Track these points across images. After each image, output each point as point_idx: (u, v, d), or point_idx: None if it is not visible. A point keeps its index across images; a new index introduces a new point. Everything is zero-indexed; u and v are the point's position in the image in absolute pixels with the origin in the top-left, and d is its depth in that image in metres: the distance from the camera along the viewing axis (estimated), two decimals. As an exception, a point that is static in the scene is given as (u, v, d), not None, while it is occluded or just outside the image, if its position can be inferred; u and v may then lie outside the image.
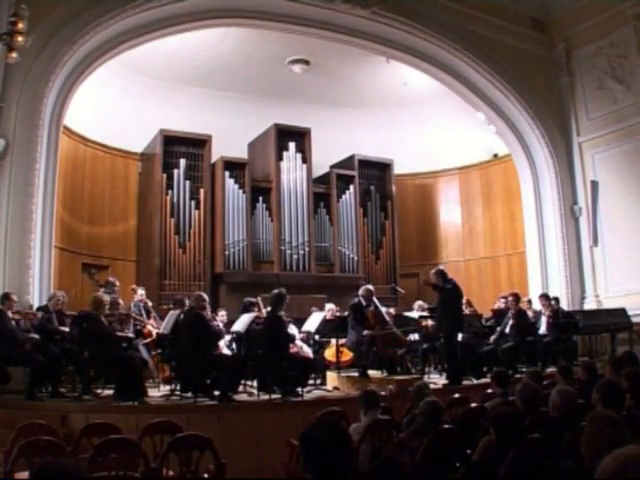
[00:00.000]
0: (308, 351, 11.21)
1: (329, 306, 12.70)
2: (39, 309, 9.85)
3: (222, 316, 11.95)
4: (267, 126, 15.98)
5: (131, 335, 10.32)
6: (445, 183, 19.05)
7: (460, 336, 11.45)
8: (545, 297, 13.35)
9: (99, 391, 9.53)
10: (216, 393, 9.15)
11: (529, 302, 13.81)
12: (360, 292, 11.38)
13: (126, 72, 14.63)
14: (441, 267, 11.85)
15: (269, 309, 10.24)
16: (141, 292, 11.82)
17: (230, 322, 11.36)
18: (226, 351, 10.95)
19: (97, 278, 12.15)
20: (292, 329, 11.00)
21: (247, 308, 11.16)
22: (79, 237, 14.54)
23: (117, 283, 11.67)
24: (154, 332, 10.90)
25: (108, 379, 9.67)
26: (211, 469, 5.67)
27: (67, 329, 9.88)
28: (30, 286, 10.32)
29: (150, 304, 12.11)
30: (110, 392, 9.38)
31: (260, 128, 16.16)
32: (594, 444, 3.65)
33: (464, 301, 12.25)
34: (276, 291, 10.17)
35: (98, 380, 9.64)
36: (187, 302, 10.30)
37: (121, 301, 11.16)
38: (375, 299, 11.36)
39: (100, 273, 13.10)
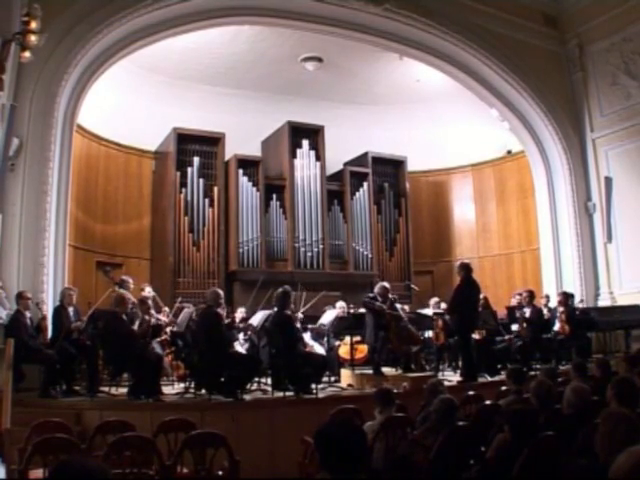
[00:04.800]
0: (320, 350, 11.18)
1: (339, 304, 12.63)
2: (55, 309, 9.88)
3: (241, 312, 12.05)
4: (280, 124, 15.98)
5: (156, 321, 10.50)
6: (459, 180, 19.02)
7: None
8: (564, 294, 13.32)
9: (107, 389, 9.55)
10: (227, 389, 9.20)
11: (547, 298, 13.78)
12: (376, 290, 11.38)
13: (139, 71, 14.65)
14: (466, 261, 11.83)
15: (276, 309, 10.18)
16: (148, 290, 11.81)
17: (246, 319, 11.46)
18: (239, 349, 10.96)
19: (112, 275, 12.13)
20: (306, 334, 11.03)
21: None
22: (93, 235, 14.60)
23: (131, 281, 11.69)
24: (168, 329, 10.93)
25: (122, 377, 9.69)
26: (225, 466, 5.67)
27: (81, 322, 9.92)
28: (44, 284, 10.35)
29: (154, 294, 12.09)
30: (124, 390, 9.41)
31: (273, 126, 16.16)
32: (608, 441, 3.64)
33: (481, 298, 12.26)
34: (280, 289, 10.19)
35: (113, 379, 9.65)
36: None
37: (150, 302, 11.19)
38: (394, 300, 11.37)
39: (115, 271, 13.11)
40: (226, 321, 9.99)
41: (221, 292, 9.90)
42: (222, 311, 9.88)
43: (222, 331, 9.52)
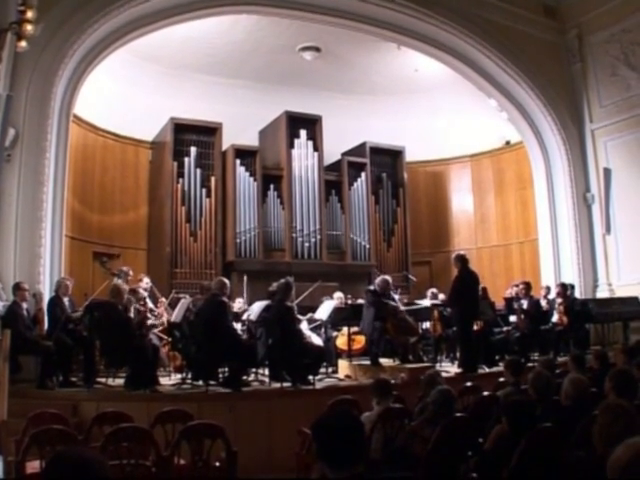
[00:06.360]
0: (318, 341, 11.16)
1: (337, 295, 12.66)
2: (51, 300, 9.85)
3: (239, 302, 12.02)
4: (278, 114, 15.94)
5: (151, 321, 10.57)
6: (457, 170, 18.98)
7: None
8: (562, 286, 13.33)
9: (104, 380, 9.55)
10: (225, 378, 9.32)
11: (547, 289, 13.81)
12: (377, 282, 11.33)
13: (136, 60, 14.55)
14: (462, 252, 11.82)
15: (277, 299, 10.15)
16: (147, 280, 11.82)
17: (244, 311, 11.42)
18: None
19: (109, 266, 12.09)
20: (303, 325, 11.00)
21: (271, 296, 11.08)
22: (90, 226, 14.56)
23: (131, 272, 11.65)
24: (165, 320, 10.93)
25: (119, 368, 9.67)
26: (222, 457, 5.65)
27: (80, 312, 9.90)
28: (41, 275, 10.31)
29: (152, 284, 12.06)
30: (121, 381, 9.40)
31: (271, 116, 16.12)
32: (606, 433, 3.63)
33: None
34: (283, 280, 10.19)
35: (110, 369, 9.65)
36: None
37: (141, 290, 11.17)
38: (392, 292, 11.36)
39: (112, 262, 13.08)
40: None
41: (227, 282, 9.93)
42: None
43: (227, 320, 9.54)
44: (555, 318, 12.94)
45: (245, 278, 12.76)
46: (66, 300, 9.93)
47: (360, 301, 11.83)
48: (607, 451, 3.15)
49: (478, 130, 17.94)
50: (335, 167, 16.84)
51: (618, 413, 3.70)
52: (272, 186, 15.54)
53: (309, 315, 11.39)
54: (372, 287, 11.35)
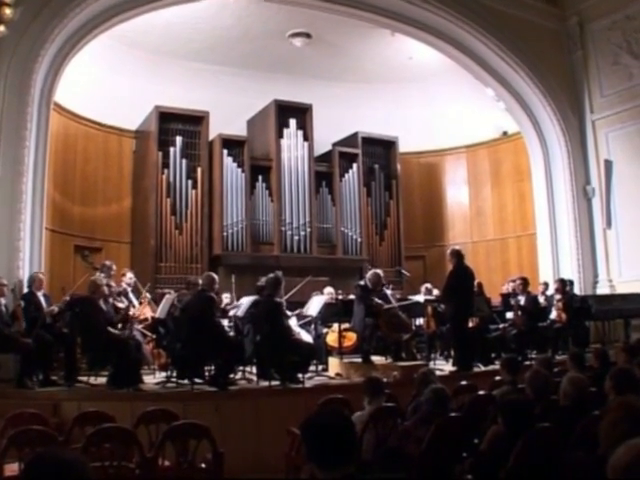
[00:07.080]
0: (307, 338, 10.98)
1: (328, 290, 12.51)
2: (24, 296, 9.63)
3: (226, 298, 11.91)
4: (267, 102, 15.73)
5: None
6: (452, 162, 18.86)
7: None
8: (561, 281, 13.24)
9: (86, 378, 9.39)
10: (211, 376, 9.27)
11: (545, 285, 13.71)
12: (368, 276, 11.19)
13: (119, 46, 14.34)
14: (457, 247, 11.69)
15: (266, 294, 10.06)
16: (130, 275, 11.65)
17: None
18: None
19: (91, 260, 11.90)
20: (292, 321, 10.82)
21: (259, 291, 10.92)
22: (71, 218, 14.40)
23: (114, 267, 11.44)
24: (149, 316, 10.78)
25: (102, 366, 9.47)
26: (208, 459, 5.69)
27: (56, 308, 9.65)
28: (20, 270, 10.14)
29: (135, 279, 11.85)
30: (103, 379, 9.27)
31: (260, 104, 15.91)
32: (611, 433, 3.50)
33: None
34: (272, 275, 10.08)
35: (91, 368, 9.47)
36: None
37: (114, 284, 10.96)
38: (384, 287, 11.25)
39: (94, 255, 12.90)
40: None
41: (216, 277, 9.85)
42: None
43: (214, 316, 9.48)
44: (553, 315, 12.88)
45: (233, 275, 12.61)
46: (40, 295, 9.70)
47: (351, 297, 11.69)
48: (608, 452, 3.02)
49: (474, 120, 17.78)
50: (326, 158, 16.69)
51: (626, 412, 3.57)
52: (260, 177, 15.37)
53: (298, 311, 11.25)
54: (362, 282, 11.23)
